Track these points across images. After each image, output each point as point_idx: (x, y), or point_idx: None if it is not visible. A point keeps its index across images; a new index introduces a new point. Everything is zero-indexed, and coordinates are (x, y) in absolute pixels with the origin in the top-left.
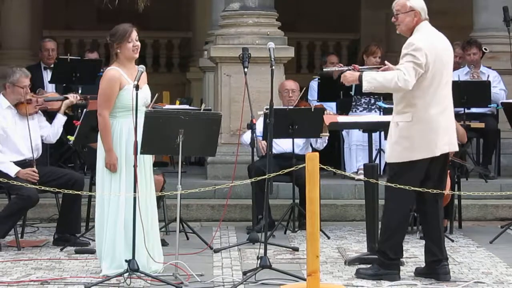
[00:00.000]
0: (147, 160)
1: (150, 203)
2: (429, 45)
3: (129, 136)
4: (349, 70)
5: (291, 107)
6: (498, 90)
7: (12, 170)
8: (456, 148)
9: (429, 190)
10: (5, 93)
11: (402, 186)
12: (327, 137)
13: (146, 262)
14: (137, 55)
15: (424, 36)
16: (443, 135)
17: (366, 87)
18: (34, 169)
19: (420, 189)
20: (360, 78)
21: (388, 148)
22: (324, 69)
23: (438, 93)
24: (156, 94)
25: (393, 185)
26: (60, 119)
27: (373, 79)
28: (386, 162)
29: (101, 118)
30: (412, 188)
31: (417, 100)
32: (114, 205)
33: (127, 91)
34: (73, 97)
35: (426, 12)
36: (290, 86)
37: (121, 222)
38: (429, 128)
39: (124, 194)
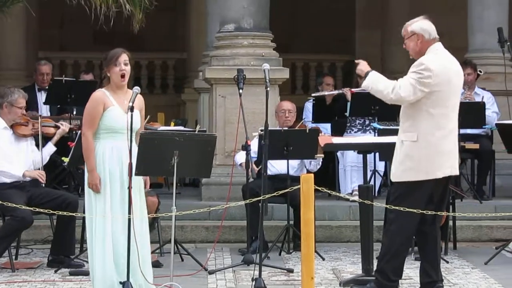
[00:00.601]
0: (135, 182)
1: (139, 224)
2: (439, 66)
3: (112, 156)
4: (340, 93)
5: (287, 128)
6: (490, 113)
7: (19, 171)
8: (457, 172)
9: (430, 213)
10: (1, 113)
11: (400, 208)
12: (321, 159)
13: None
14: (123, 80)
15: (436, 57)
16: (446, 158)
17: (366, 83)
18: (42, 171)
19: (424, 212)
20: (366, 74)
21: (393, 166)
22: (313, 95)
23: (444, 116)
24: (148, 116)
25: (389, 206)
26: (49, 149)
27: (376, 80)
28: (381, 184)
29: (84, 138)
30: (413, 210)
31: (422, 120)
32: (100, 225)
33: (111, 112)
34: (65, 126)
35: (430, 32)
36: (286, 107)
37: (109, 243)
38: (434, 150)
39: (110, 214)
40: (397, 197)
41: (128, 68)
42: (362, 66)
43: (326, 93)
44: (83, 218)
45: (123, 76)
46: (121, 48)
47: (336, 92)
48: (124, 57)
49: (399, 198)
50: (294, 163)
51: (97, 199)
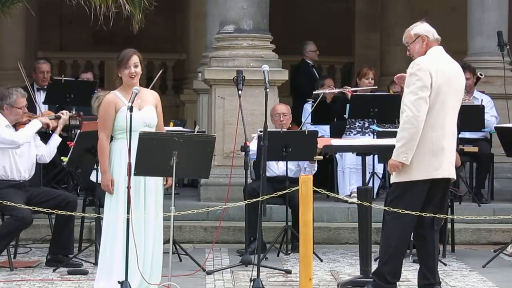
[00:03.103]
0: (151, 182)
1: (150, 224)
2: (435, 67)
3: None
4: (341, 91)
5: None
6: (489, 117)
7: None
8: (454, 177)
9: (428, 215)
10: (3, 113)
11: (397, 210)
12: (316, 165)
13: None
14: (134, 81)
15: (431, 58)
16: (443, 159)
17: (404, 158)
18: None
19: (422, 214)
20: (397, 158)
21: None
22: (314, 92)
23: (441, 117)
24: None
25: (387, 208)
26: (56, 140)
27: (399, 147)
28: (379, 186)
29: (98, 140)
30: (410, 212)
31: None
32: (112, 226)
33: (123, 112)
34: (65, 114)
35: (433, 33)
36: (281, 110)
37: (120, 244)
38: (429, 150)
39: (125, 214)
40: (393, 198)
41: (139, 69)
42: (391, 164)
43: (327, 91)
44: (82, 217)
45: (132, 78)
46: (132, 49)
47: (337, 90)
48: (134, 60)
49: (395, 199)
50: (292, 166)
51: (112, 200)
